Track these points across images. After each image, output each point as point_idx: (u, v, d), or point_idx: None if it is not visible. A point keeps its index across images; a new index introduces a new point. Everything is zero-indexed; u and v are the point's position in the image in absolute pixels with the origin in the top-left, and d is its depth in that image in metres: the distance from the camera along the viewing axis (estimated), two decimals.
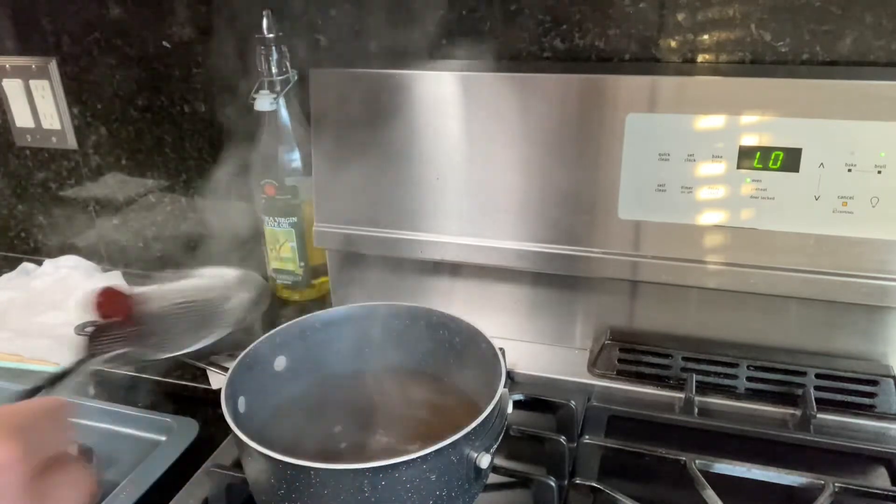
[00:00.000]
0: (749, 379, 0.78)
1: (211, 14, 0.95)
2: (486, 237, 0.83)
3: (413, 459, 0.53)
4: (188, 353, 0.84)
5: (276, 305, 0.99)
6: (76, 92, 1.08)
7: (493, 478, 0.64)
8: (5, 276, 1.13)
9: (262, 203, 0.94)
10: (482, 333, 0.68)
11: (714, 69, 0.78)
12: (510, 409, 0.64)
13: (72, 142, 1.11)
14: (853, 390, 0.75)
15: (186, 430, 0.74)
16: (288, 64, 0.89)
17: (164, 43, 0.99)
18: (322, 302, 1.00)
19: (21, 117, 1.12)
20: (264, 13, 0.86)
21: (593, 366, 0.83)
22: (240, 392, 0.63)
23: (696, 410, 0.75)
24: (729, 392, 0.78)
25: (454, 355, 0.71)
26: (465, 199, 0.83)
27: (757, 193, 0.73)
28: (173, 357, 0.87)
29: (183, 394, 0.85)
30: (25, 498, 0.37)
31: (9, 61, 1.09)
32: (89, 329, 0.91)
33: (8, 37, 1.08)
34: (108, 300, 0.59)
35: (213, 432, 0.76)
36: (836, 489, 0.63)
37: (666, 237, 0.77)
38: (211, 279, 0.68)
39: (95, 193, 1.14)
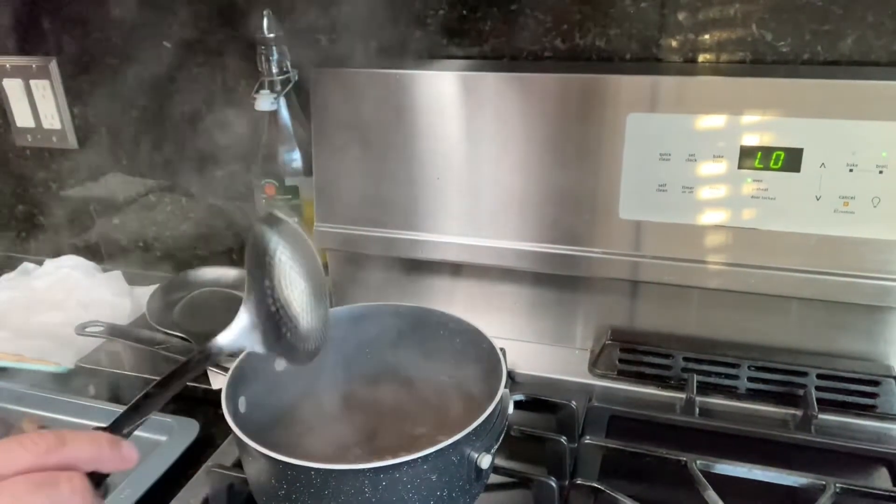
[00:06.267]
0: (750, 379, 0.78)
1: (211, 14, 0.95)
2: (486, 237, 0.83)
3: (414, 459, 0.52)
4: None
5: None
6: (76, 92, 1.08)
7: (493, 478, 0.64)
8: (5, 276, 1.13)
9: (262, 203, 0.94)
10: (483, 333, 0.68)
11: (715, 69, 0.78)
12: (511, 409, 0.64)
13: (72, 141, 1.11)
14: (854, 390, 0.75)
15: (187, 430, 0.74)
16: (288, 64, 0.89)
17: (165, 43, 0.99)
18: None
19: (21, 117, 1.12)
20: (265, 13, 0.86)
21: (594, 366, 0.83)
22: (240, 392, 0.63)
23: (697, 411, 0.75)
24: (730, 392, 0.78)
25: (455, 355, 0.71)
26: (465, 198, 0.83)
27: (758, 193, 0.73)
28: (174, 357, 0.87)
29: (183, 394, 0.83)
30: None
31: (9, 61, 1.09)
32: (90, 329, 0.91)
33: (8, 37, 1.08)
34: None
35: (213, 432, 0.76)
36: (838, 489, 0.63)
37: (667, 237, 0.77)
38: None
39: (95, 193, 1.14)
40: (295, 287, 0.60)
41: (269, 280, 0.58)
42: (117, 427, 0.47)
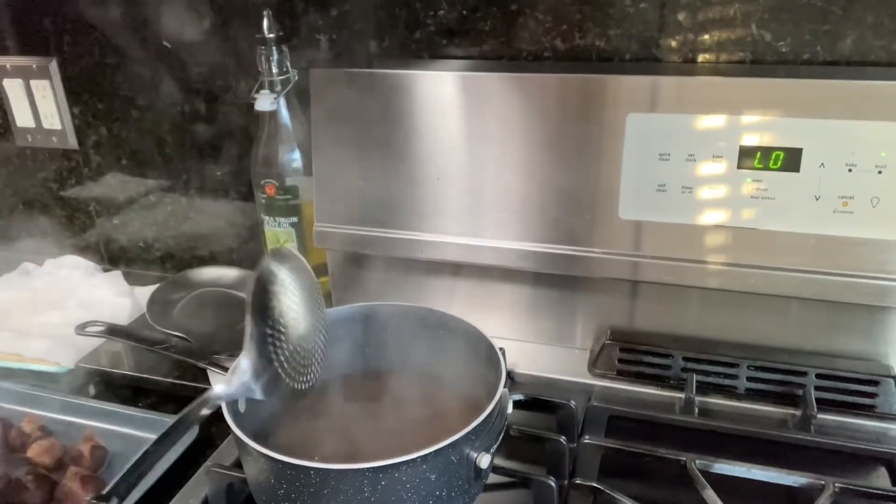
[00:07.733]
0: (749, 379, 0.78)
1: (211, 14, 0.95)
2: (486, 237, 0.83)
3: (413, 459, 0.53)
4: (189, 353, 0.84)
5: None
6: (77, 92, 1.08)
7: (493, 478, 0.64)
8: (6, 276, 1.13)
9: (262, 203, 0.94)
10: (482, 333, 0.68)
11: (715, 69, 0.78)
12: (510, 408, 0.64)
13: (72, 141, 1.11)
14: (854, 390, 0.75)
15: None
16: (288, 64, 0.89)
17: (165, 43, 0.99)
18: None
19: (22, 117, 1.12)
20: (265, 13, 0.86)
21: (593, 366, 0.83)
22: None
23: (696, 410, 0.75)
24: (729, 392, 0.78)
25: (454, 355, 0.71)
26: (465, 198, 0.83)
27: (757, 193, 0.73)
28: (174, 357, 0.87)
29: (183, 394, 0.85)
30: None
31: (9, 61, 1.09)
32: (90, 328, 0.92)
33: (9, 37, 1.08)
34: None
35: (213, 432, 0.76)
36: (837, 489, 0.63)
37: (666, 237, 0.77)
38: None
39: (96, 193, 1.14)
40: (299, 318, 0.60)
41: (271, 318, 0.58)
42: (118, 490, 0.45)
